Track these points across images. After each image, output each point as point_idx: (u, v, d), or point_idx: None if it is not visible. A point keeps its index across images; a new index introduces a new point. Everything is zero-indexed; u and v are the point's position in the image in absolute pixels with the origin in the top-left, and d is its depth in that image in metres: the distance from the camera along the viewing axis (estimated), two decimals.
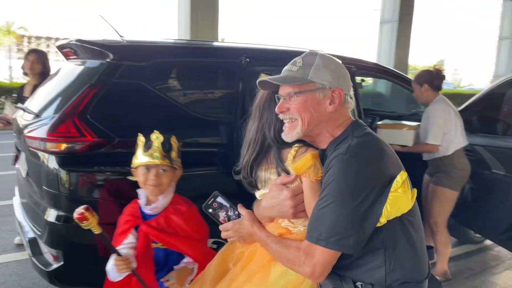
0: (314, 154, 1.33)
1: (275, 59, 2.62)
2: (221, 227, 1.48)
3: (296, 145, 1.41)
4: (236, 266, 1.51)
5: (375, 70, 3.39)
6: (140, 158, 1.82)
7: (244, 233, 1.42)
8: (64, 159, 2.09)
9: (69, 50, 2.61)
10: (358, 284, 1.23)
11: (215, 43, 2.83)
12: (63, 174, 2.07)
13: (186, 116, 2.38)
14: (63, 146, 2.07)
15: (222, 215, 1.49)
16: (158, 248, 1.83)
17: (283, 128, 1.38)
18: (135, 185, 1.96)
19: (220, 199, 1.48)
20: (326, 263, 1.20)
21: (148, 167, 1.81)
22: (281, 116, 1.37)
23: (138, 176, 1.85)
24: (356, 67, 2.97)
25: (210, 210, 1.50)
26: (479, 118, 3.49)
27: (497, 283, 3.08)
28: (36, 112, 2.44)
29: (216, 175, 2.37)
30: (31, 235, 2.36)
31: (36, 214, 2.29)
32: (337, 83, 1.32)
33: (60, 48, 2.66)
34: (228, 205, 1.49)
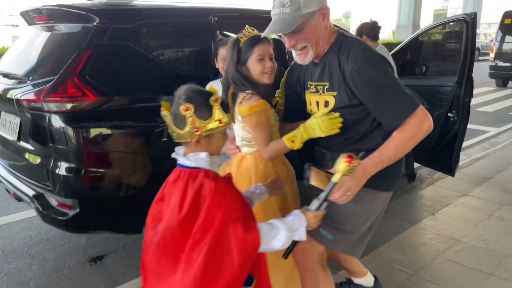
0: (261, 104, 1.70)
1: (244, 17, 2.98)
2: (333, 194, 1.46)
3: (247, 91, 1.75)
4: None
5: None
6: (224, 118, 1.35)
7: (357, 177, 1.46)
8: (70, 118, 2.25)
9: (41, 15, 2.67)
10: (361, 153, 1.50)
11: (191, 5, 3.04)
12: (70, 131, 2.25)
13: (170, 73, 2.64)
14: (68, 105, 2.24)
15: (327, 181, 1.48)
16: None
17: (296, 56, 1.64)
18: (136, 136, 2.26)
19: (314, 169, 1.51)
20: (425, 113, 1.51)
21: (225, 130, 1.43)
22: (292, 49, 1.63)
23: (215, 140, 1.39)
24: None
25: (313, 183, 1.51)
26: (403, 63, 4.15)
27: (424, 196, 3.86)
28: (21, 76, 2.52)
29: None
30: (32, 192, 2.51)
31: (39, 172, 2.45)
32: (322, 2, 1.56)
33: (32, 12, 2.70)
34: (323, 170, 1.51)
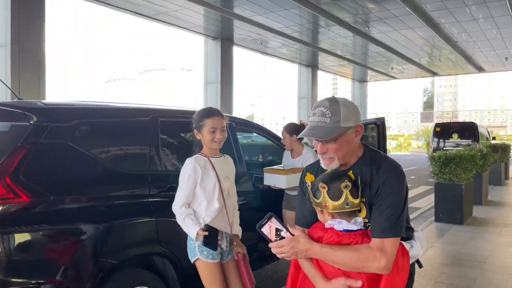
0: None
1: (181, 117, 3.09)
2: (275, 244, 1.58)
3: None
4: None
5: (248, 125, 4.08)
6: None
7: (299, 249, 1.56)
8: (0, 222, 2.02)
9: None
10: None
11: (129, 105, 3.06)
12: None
13: (109, 171, 2.55)
14: None
15: (274, 235, 1.59)
16: None
17: (322, 162, 1.68)
18: (74, 242, 2.12)
19: (274, 221, 1.59)
20: (395, 252, 1.51)
21: None
22: (321, 156, 1.67)
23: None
24: (236, 123, 3.60)
25: (264, 230, 1.59)
26: None
27: None
28: None
29: (143, 222, 2.59)
30: None
31: None
32: (358, 120, 1.67)
33: None
34: (281, 226, 1.59)
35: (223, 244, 2.43)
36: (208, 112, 2.44)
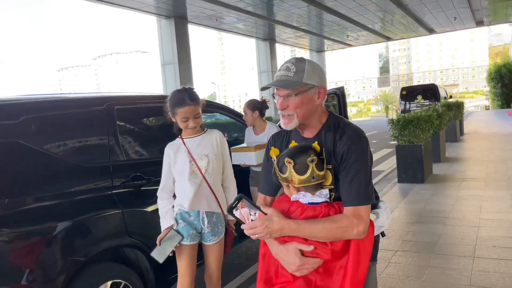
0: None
1: (140, 102, 2.98)
2: (247, 225, 1.53)
3: None
4: None
5: (208, 105, 4.01)
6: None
7: (274, 228, 1.52)
8: None
9: None
10: None
11: (81, 95, 2.91)
12: None
13: (67, 166, 2.43)
14: None
15: (247, 216, 1.54)
16: None
17: (281, 120, 1.68)
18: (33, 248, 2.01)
19: (245, 202, 1.54)
20: (369, 217, 1.54)
21: None
22: (281, 112, 1.68)
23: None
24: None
25: (235, 213, 1.54)
26: None
27: None
28: None
29: (109, 215, 2.51)
30: None
31: None
32: (322, 82, 1.67)
33: None
34: (253, 206, 1.55)
35: (204, 224, 2.42)
36: (180, 101, 2.33)
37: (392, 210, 5.32)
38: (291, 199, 1.61)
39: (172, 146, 2.46)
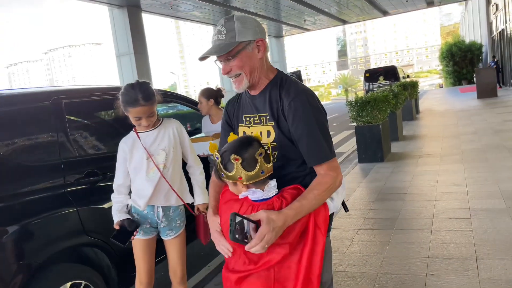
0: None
1: (89, 95, 2.85)
2: (255, 242, 1.38)
3: None
4: None
5: (166, 95, 3.91)
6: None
7: (279, 226, 1.41)
8: None
9: None
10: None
11: (25, 90, 2.74)
12: None
13: (14, 167, 2.30)
14: None
15: (243, 234, 1.38)
16: None
17: (232, 84, 1.65)
18: None
19: (238, 219, 1.37)
20: (339, 165, 1.59)
21: None
22: (227, 76, 1.63)
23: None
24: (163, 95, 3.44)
25: (237, 236, 1.37)
26: None
27: None
28: None
29: (63, 215, 2.40)
30: None
31: None
32: (257, 34, 1.61)
33: None
34: (245, 220, 1.39)
35: (159, 218, 2.36)
36: (132, 101, 2.17)
37: (354, 190, 5.45)
38: (240, 197, 1.52)
39: (127, 141, 2.33)
